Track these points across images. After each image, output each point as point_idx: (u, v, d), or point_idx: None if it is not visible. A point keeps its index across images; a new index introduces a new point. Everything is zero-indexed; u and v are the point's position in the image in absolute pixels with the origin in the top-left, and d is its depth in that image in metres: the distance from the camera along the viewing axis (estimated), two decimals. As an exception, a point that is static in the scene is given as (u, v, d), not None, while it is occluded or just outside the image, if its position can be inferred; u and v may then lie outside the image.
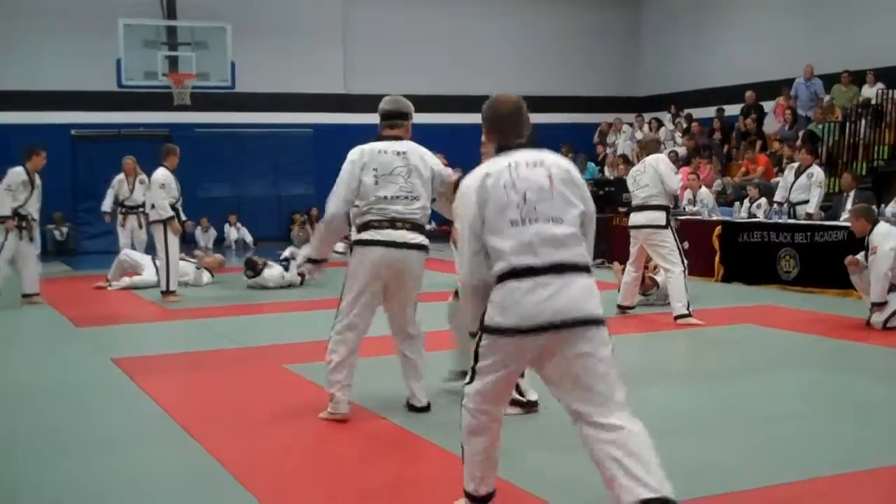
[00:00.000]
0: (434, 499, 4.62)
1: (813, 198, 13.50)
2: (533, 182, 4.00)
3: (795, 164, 14.27)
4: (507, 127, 4.20)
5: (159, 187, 11.95)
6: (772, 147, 17.56)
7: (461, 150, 19.30)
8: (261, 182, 21.11)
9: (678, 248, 10.10)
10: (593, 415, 3.86)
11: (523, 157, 4.08)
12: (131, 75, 17.81)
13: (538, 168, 4.05)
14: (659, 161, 10.17)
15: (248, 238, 20.59)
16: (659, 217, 10.04)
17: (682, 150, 19.57)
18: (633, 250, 10.37)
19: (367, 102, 21.15)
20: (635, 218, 10.26)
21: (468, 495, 4.22)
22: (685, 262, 10.11)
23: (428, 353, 6.33)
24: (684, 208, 15.41)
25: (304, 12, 21.03)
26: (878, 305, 9.27)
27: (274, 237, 20.37)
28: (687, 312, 9.84)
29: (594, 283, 3.97)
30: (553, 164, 4.09)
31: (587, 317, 3.90)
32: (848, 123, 16.74)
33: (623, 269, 10.73)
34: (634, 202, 10.29)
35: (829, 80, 17.74)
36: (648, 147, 10.71)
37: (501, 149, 4.15)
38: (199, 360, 8.41)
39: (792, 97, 18.19)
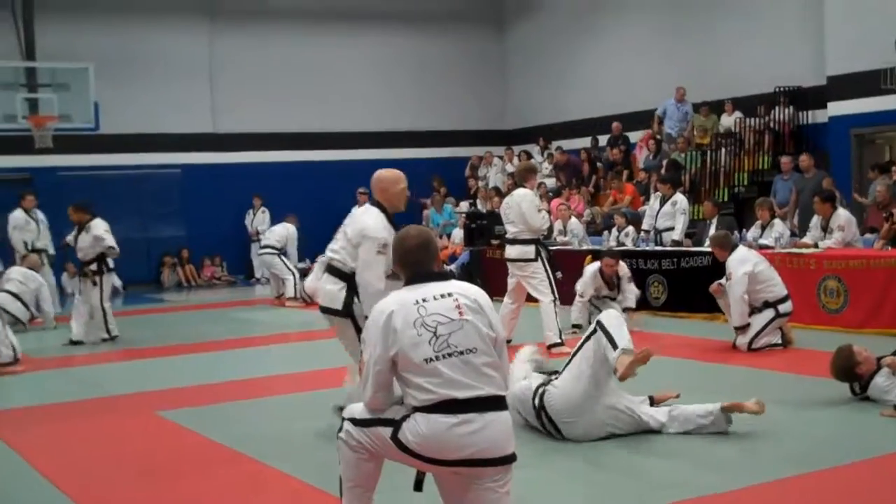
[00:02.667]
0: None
1: (678, 225, 13.84)
2: (443, 315, 4.07)
3: (660, 193, 14.65)
4: (415, 259, 4.28)
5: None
6: (638, 176, 17.99)
7: (331, 188, 19.43)
8: (129, 224, 20.48)
9: (549, 278, 10.24)
10: None
11: (431, 290, 4.15)
12: (-11, 118, 17.29)
13: (446, 299, 4.13)
14: (524, 199, 10.23)
15: (118, 282, 20.10)
16: (528, 251, 10.19)
17: (550, 182, 19.90)
18: (510, 282, 10.50)
19: (236, 141, 21.24)
20: (508, 251, 10.41)
21: None
22: (555, 292, 10.24)
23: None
24: (555, 238, 15.64)
25: (169, 51, 20.72)
26: (740, 329, 9.56)
27: (144, 280, 19.94)
28: (559, 341, 9.98)
29: (511, 419, 4.13)
30: (460, 293, 4.18)
31: (504, 457, 4.07)
32: (709, 152, 17.29)
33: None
34: (507, 235, 10.43)
35: (693, 110, 18.31)
36: (523, 175, 10.72)
37: (410, 281, 4.23)
38: (66, 410, 8.13)
39: (659, 117, 18.51)
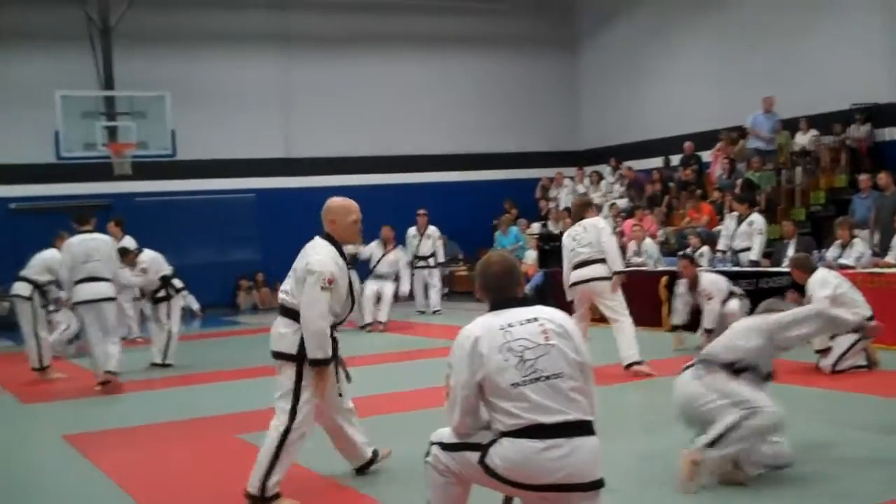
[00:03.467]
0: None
1: (755, 245, 13.72)
2: (529, 340, 4.08)
3: (736, 213, 14.51)
4: (499, 286, 4.29)
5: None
6: (711, 196, 17.82)
7: (404, 210, 19.52)
8: (205, 249, 20.93)
9: (624, 298, 10.22)
10: None
11: (516, 316, 4.17)
12: (70, 147, 17.69)
13: (532, 324, 4.14)
14: (597, 223, 10.44)
15: (195, 305, 20.40)
16: (604, 270, 10.19)
17: (623, 203, 19.80)
18: (577, 306, 10.47)
19: (308, 166, 21.46)
20: (583, 272, 10.35)
21: None
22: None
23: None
24: (630, 260, 15.56)
25: (243, 78, 21.06)
26: (822, 351, 9.43)
27: (220, 304, 20.19)
28: (639, 360, 9.93)
29: (598, 444, 4.09)
30: (546, 318, 4.19)
31: (593, 482, 4.04)
32: (783, 171, 17.07)
33: None
34: (578, 259, 10.37)
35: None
36: (580, 212, 10.82)
37: (494, 306, 4.24)
38: (152, 433, 8.26)
39: (746, 130, 18.15)
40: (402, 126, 22.20)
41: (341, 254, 5.75)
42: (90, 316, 10.58)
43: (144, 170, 18.77)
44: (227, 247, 20.84)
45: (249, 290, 21.15)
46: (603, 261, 10.22)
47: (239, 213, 21.00)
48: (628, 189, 20.27)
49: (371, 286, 15.95)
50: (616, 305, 10.25)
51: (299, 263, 5.71)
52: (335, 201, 5.91)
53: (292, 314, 5.65)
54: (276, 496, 5.60)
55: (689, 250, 15.47)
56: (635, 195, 19.84)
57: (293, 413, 5.59)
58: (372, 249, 16.32)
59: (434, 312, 17.47)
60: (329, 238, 5.79)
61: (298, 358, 5.61)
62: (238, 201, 21.03)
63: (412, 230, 18.04)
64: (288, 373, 5.66)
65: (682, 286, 11.79)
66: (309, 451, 5.96)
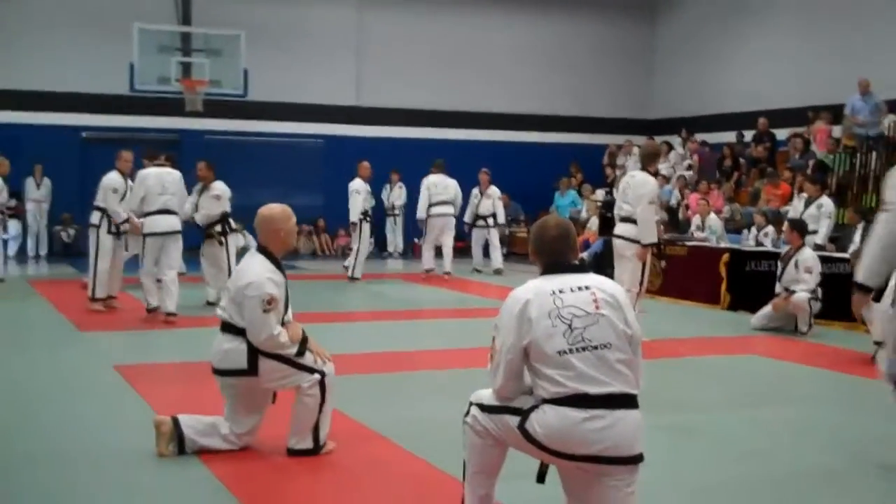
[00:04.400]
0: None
1: (822, 229, 13.46)
2: (579, 308, 4.02)
3: (805, 194, 14.24)
4: (553, 250, 4.23)
5: (111, 192, 11.58)
6: (783, 175, 17.49)
7: (468, 166, 19.47)
8: (269, 191, 20.64)
9: (644, 269, 10.14)
10: None
11: (568, 282, 4.10)
12: (144, 80, 17.83)
13: (583, 292, 4.08)
14: (644, 185, 10.09)
15: (254, 246, 20.55)
16: (633, 231, 10.08)
17: (689, 174, 19.55)
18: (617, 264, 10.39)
19: (378, 115, 21.47)
20: (619, 228, 10.31)
21: None
22: (643, 285, 10.25)
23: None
24: (692, 234, 15.40)
25: (317, 23, 21.07)
26: (880, 343, 9.21)
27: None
28: None
29: (641, 418, 4.04)
30: (598, 287, 4.12)
31: (633, 456, 4.01)
32: (859, 154, 16.70)
33: None
34: (622, 213, 10.27)
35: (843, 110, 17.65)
36: (646, 159, 10.57)
37: (546, 271, 4.19)
38: (202, 369, 8.33)
39: (853, 115, 17.36)
40: (472, 82, 22.09)
41: (277, 265, 5.66)
42: (156, 248, 11.00)
43: (215, 108, 18.87)
44: (290, 191, 20.64)
45: (310, 234, 21.29)
46: (635, 221, 10.07)
47: (305, 157, 21.07)
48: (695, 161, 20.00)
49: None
50: (633, 269, 10.04)
51: (233, 283, 5.67)
52: (275, 209, 5.77)
53: (234, 329, 5.60)
54: (325, 444, 5.73)
55: (753, 228, 15.27)
56: (703, 170, 19.54)
57: (312, 370, 5.62)
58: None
59: (495, 272, 17.20)
60: (264, 251, 5.70)
61: (250, 371, 5.56)
62: (305, 146, 21.11)
63: (475, 190, 17.94)
64: (273, 372, 5.59)
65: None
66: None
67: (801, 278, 11.13)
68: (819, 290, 11.18)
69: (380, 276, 17.38)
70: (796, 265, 11.24)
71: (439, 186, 16.80)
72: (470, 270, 17.42)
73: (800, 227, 11.70)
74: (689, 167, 20.07)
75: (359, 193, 15.95)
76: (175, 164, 12.29)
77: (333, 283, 15.70)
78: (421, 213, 16.97)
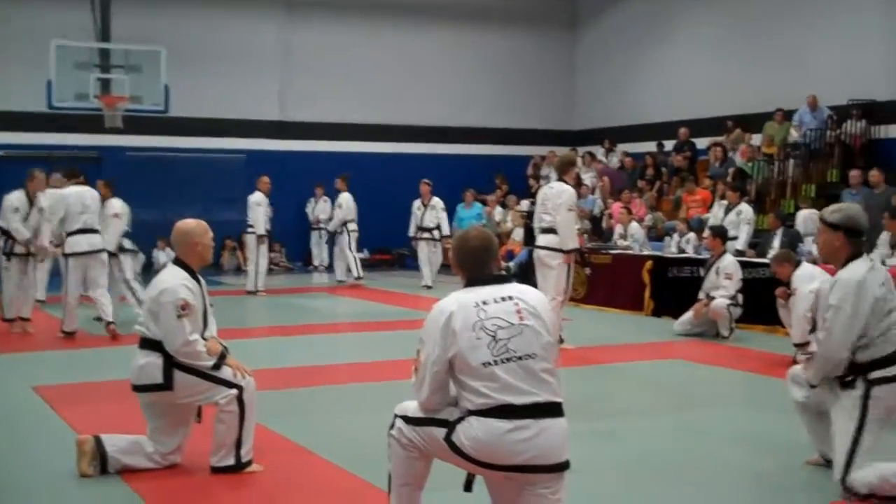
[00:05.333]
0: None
1: (742, 234, 13.69)
2: (502, 319, 4.03)
3: (725, 202, 14.48)
4: (475, 262, 4.22)
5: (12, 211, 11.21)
6: (702, 184, 17.75)
7: (396, 180, 19.47)
8: (192, 207, 20.53)
9: (568, 279, 10.28)
10: None
11: (491, 293, 4.11)
12: (62, 97, 17.49)
13: (506, 303, 4.08)
14: (562, 194, 10.22)
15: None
16: (555, 241, 10.21)
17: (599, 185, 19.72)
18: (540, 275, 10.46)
19: (302, 129, 21.34)
20: (540, 239, 10.43)
21: None
22: (567, 294, 10.42)
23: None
24: (615, 242, 15.56)
25: (240, 37, 20.88)
26: (801, 346, 9.38)
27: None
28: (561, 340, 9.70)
29: (567, 426, 4.06)
30: (520, 297, 4.13)
31: (559, 464, 4.03)
32: (777, 162, 17.03)
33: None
34: (542, 224, 10.39)
35: (762, 119, 17.99)
36: (562, 168, 10.63)
37: (469, 283, 4.18)
38: (124, 388, 8.19)
39: (797, 125, 17.42)
40: (397, 96, 22.07)
41: (193, 276, 5.63)
42: (80, 267, 10.92)
43: (136, 124, 18.60)
44: (214, 206, 20.51)
45: (234, 250, 21.09)
46: (556, 231, 10.19)
47: (228, 173, 20.82)
48: (622, 171, 20.20)
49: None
50: (554, 278, 10.14)
51: (148, 294, 5.64)
52: (191, 223, 5.71)
53: (150, 344, 5.54)
54: (249, 462, 5.64)
55: (675, 235, 15.47)
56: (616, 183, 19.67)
57: (230, 384, 5.54)
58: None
59: (426, 287, 16.82)
60: (180, 263, 5.66)
61: (166, 385, 5.49)
62: (228, 161, 20.87)
63: (417, 202, 17.68)
64: (189, 387, 5.52)
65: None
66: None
67: (722, 284, 11.31)
68: (739, 296, 11.35)
69: (306, 289, 17.30)
70: (717, 271, 11.42)
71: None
72: (420, 286, 16.84)
73: (721, 234, 11.91)
74: (593, 191, 20.07)
75: (259, 206, 16.02)
76: (88, 183, 12.10)
77: (255, 298, 15.57)
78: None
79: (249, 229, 16.33)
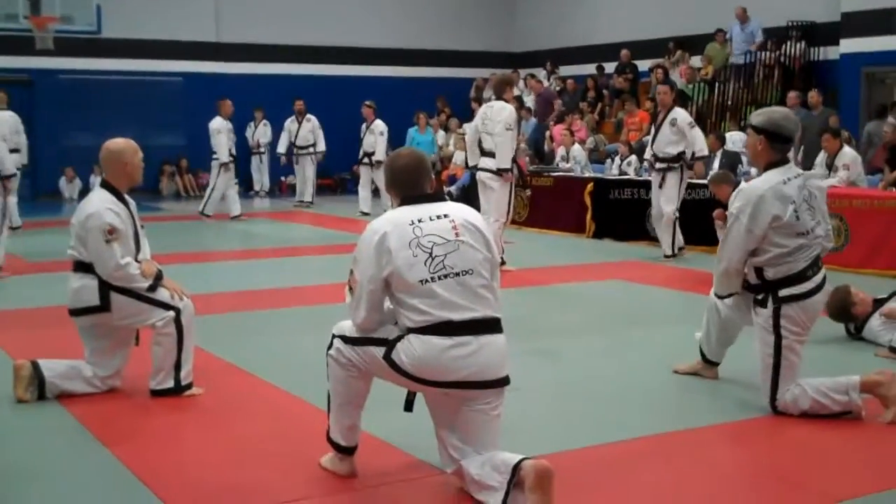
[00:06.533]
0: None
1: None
2: (438, 236, 3.99)
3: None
4: (408, 182, 4.17)
5: None
6: (644, 106, 17.78)
7: (335, 101, 19.24)
8: (128, 131, 19.87)
9: (510, 200, 10.41)
10: (469, 453, 4.03)
11: (426, 211, 4.07)
12: (-10, 17, 17.04)
13: (442, 220, 4.05)
14: (502, 111, 10.16)
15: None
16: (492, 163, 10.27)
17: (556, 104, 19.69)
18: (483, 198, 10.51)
19: (239, 51, 20.98)
20: (484, 162, 10.40)
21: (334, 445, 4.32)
22: (509, 216, 10.58)
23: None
24: (557, 164, 15.57)
25: (175, -45, 20.40)
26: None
27: (141, 188, 19.77)
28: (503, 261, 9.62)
29: (505, 342, 4.07)
30: (456, 214, 4.10)
31: (499, 379, 4.04)
32: (717, 84, 17.08)
33: None
34: (485, 146, 10.37)
35: (704, 41, 18.00)
36: (499, 88, 10.48)
37: (403, 202, 4.14)
38: (60, 314, 8.09)
39: (727, 40, 17.67)
40: (336, 17, 21.76)
41: (120, 199, 5.52)
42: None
43: (68, 46, 18.17)
44: (151, 130, 20.16)
45: (172, 175, 20.82)
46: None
47: (165, 96, 20.48)
48: (563, 94, 20.14)
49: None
50: (497, 200, 10.25)
51: (76, 219, 5.47)
52: (120, 142, 5.56)
53: (84, 267, 5.45)
54: (190, 385, 5.60)
55: (617, 158, 15.51)
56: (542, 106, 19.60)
57: (167, 306, 5.47)
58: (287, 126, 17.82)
59: (363, 213, 16.08)
60: (107, 186, 5.53)
61: (102, 307, 5.41)
62: (164, 84, 20.50)
63: (364, 126, 16.79)
64: (125, 308, 5.44)
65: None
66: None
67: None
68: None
69: (247, 215, 17.15)
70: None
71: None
72: (357, 213, 16.21)
73: None
74: (529, 109, 19.98)
75: (220, 133, 15.59)
76: None
77: (197, 224, 15.41)
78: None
79: (214, 156, 15.73)
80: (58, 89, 19.41)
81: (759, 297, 5.23)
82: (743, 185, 5.38)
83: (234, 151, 15.90)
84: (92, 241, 5.35)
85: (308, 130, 17.77)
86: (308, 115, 17.79)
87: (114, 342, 5.60)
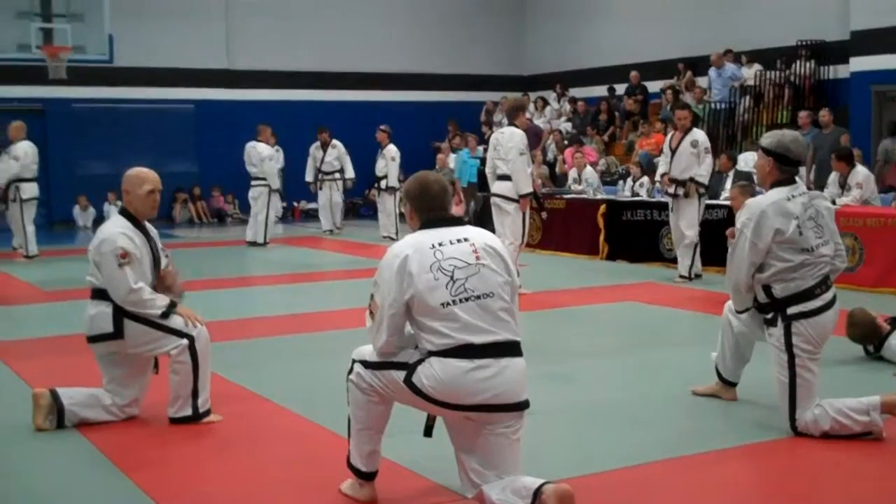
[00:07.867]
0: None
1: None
2: (459, 259, 4.02)
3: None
4: (429, 204, 4.19)
5: None
6: (655, 127, 17.79)
7: (348, 127, 19.28)
8: (141, 159, 19.91)
9: (524, 223, 10.41)
10: (490, 478, 4.04)
11: (447, 235, 4.09)
12: (3, 47, 17.09)
13: (463, 244, 4.07)
14: (512, 138, 10.18)
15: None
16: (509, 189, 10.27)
17: (566, 126, 19.72)
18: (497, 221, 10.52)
19: (250, 78, 21.08)
20: (495, 187, 10.44)
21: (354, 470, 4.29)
22: (524, 238, 10.55)
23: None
24: (569, 187, 15.57)
25: (184, -16, 20.55)
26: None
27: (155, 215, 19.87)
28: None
29: (525, 365, 4.08)
30: (476, 238, 4.13)
31: (519, 403, 4.05)
32: (725, 104, 17.09)
33: None
34: (497, 171, 10.38)
35: (708, 62, 18.03)
36: (512, 113, 10.53)
37: (424, 225, 4.16)
38: (78, 342, 8.10)
39: (706, 90, 17.80)
40: (347, 43, 21.86)
41: (138, 226, 5.55)
42: None
43: (81, 75, 18.28)
44: (164, 158, 20.20)
45: (185, 202, 20.89)
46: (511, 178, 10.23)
47: (177, 124, 20.60)
48: (574, 116, 20.17)
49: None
50: (510, 223, 10.27)
51: (91, 246, 5.50)
52: (130, 171, 5.63)
53: (100, 294, 5.48)
54: (207, 412, 5.59)
55: (629, 179, 15.51)
56: (580, 123, 19.72)
57: (180, 333, 5.46)
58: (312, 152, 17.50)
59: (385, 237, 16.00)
60: (124, 212, 5.59)
61: (116, 334, 5.43)
62: (176, 111, 20.62)
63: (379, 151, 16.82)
64: (139, 336, 5.45)
65: None
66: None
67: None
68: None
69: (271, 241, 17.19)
70: None
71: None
72: (380, 237, 16.14)
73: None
74: (569, 119, 20.14)
75: (271, 160, 15.82)
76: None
77: (213, 250, 15.45)
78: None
79: (254, 182, 15.83)
80: (71, 118, 19.53)
81: (769, 316, 5.24)
82: (749, 200, 5.45)
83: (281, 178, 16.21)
84: (105, 266, 5.37)
85: (334, 157, 17.66)
86: (333, 142, 17.61)
87: (131, 370, 5.60)
